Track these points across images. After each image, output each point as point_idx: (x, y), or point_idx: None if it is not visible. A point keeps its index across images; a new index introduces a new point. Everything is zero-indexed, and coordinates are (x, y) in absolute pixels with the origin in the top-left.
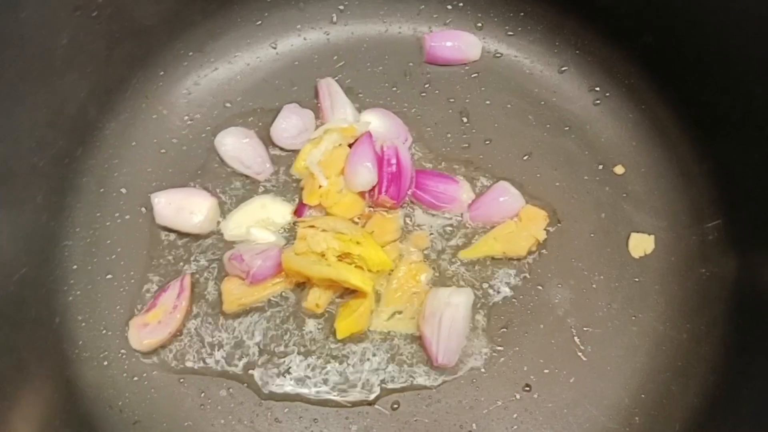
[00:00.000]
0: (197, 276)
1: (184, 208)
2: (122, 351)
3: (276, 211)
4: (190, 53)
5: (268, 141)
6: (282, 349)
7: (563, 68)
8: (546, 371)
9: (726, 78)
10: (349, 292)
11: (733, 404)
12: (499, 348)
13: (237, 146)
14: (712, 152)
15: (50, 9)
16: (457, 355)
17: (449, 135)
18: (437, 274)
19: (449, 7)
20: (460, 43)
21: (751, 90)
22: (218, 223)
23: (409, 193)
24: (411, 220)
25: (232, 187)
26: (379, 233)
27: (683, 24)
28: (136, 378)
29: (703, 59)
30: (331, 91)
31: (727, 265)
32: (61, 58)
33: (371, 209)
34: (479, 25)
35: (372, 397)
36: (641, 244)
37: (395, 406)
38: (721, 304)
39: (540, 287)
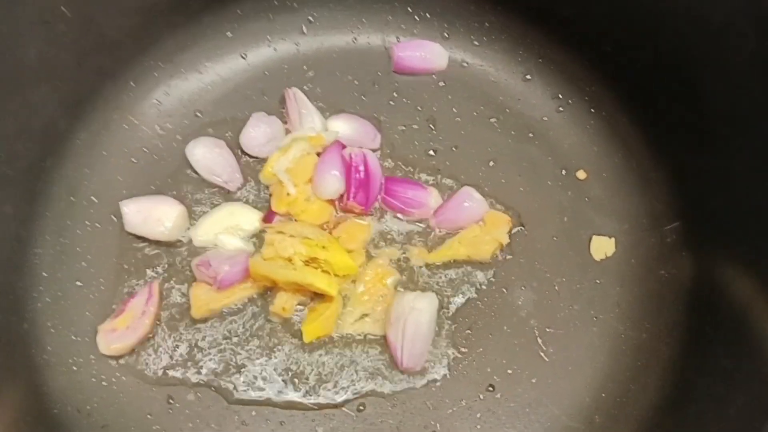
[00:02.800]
0: (166, 282)
1: (153, 215)
2: (91, 356)
3: (244, 218)
4: (161, 64)
5: (238, 150)
6: (249, 353)
7: (527, 77)
8: (509, 372)
9: (679, 85)
10: (316, 296)
11: (689, 402)
12: (464, 350)
13: (207, 156)
14: (669, 157)
15: (17, 23)
16: (422, 359)
17: (417, 142)
18: (404, 278)
19: (416, 17)
20: (427, 53)
21: (701, 96)
22: (187, 230)
23: (378, 198)
24: (386, 228)
25: (202, 196)
26: (347, 239)
27: (639, 34)
28: (104, 383)
29: (658, 68)
30: (298, 100)
31: (685, 267)
32: (30, 70)
33: (341, 215)
34: (446, 35)
35: (338, 399)
36: (602, 247)
37: (361, 408)
38: (679, 305)
39: (504, 290)
